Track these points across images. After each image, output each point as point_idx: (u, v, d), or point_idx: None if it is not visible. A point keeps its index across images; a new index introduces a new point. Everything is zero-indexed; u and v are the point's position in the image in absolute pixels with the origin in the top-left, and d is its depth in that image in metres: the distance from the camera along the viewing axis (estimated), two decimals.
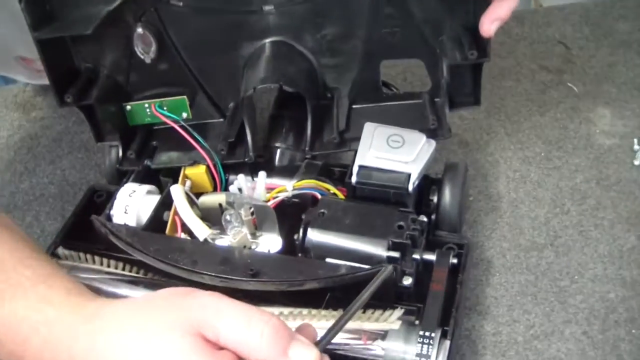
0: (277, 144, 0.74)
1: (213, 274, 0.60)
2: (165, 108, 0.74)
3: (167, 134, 0.75)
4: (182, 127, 0.73)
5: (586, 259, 0.71)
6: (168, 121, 0.73)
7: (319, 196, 0.67)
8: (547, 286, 0.68)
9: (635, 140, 0.82)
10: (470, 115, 0.88)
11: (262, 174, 0.68)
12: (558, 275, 0.69)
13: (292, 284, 0.59)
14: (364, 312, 0.59)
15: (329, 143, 0.72)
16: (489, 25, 0.63)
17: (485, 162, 0.82)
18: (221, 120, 0.76)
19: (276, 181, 0.70)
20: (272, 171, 0.71)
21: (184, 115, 0.75)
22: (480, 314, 0.67)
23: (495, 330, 0.65)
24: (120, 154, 0.75)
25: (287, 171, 0.72)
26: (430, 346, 0.56)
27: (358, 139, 0.69)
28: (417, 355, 0.56)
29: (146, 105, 0.74)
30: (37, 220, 0.83)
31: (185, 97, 0.74)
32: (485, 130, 0.86)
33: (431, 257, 0.63)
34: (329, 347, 0.50)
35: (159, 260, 0.62)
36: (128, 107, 0.75)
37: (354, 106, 0.74)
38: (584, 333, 0.64)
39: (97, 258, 0.68)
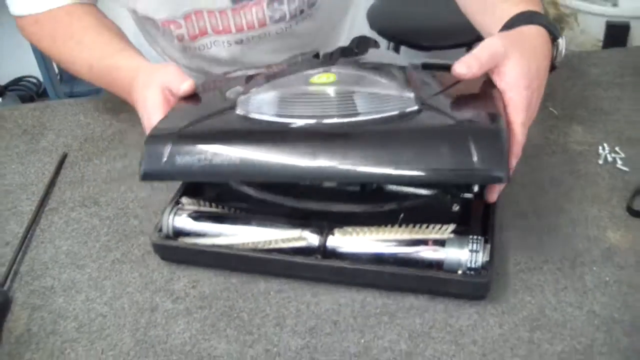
0: None
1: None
2: None
3: None
4: None
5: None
6: None
7: None
8: None
9: (600, 147, 0.99)
10: None
11: None
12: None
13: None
14: (427, 227, 0.80)
15: None
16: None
17: None
18: None
19: None
20: None
21: None
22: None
23: None
24: None
25: None
26: (478, 244, 0.77)
27: None
28: (470, 250, 0.77)
29: None
30: (131, 190, 1.00)
31: None
32: None
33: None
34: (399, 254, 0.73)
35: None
36: None
37: None
38: None
39: (213, 205, 0.88)
